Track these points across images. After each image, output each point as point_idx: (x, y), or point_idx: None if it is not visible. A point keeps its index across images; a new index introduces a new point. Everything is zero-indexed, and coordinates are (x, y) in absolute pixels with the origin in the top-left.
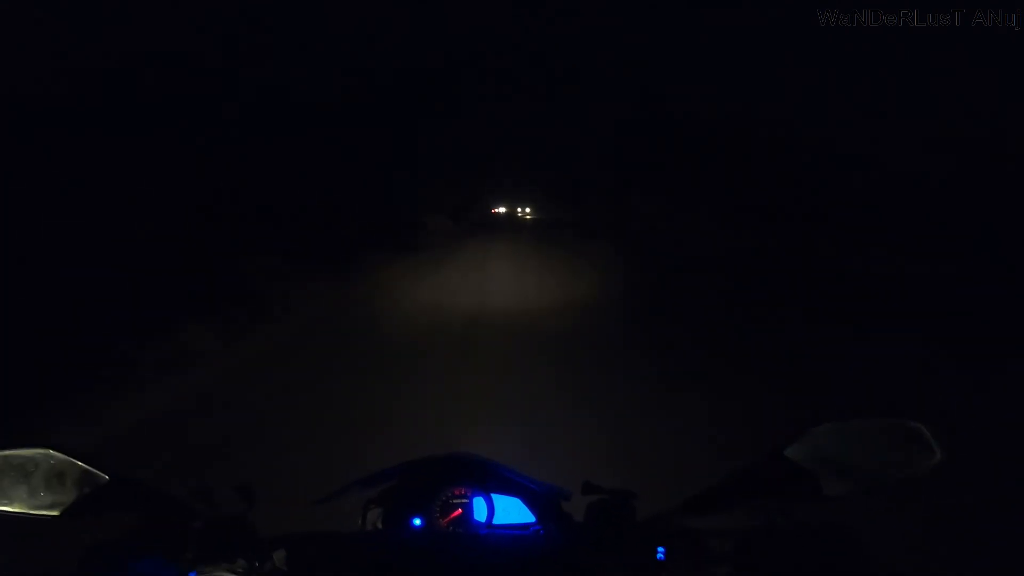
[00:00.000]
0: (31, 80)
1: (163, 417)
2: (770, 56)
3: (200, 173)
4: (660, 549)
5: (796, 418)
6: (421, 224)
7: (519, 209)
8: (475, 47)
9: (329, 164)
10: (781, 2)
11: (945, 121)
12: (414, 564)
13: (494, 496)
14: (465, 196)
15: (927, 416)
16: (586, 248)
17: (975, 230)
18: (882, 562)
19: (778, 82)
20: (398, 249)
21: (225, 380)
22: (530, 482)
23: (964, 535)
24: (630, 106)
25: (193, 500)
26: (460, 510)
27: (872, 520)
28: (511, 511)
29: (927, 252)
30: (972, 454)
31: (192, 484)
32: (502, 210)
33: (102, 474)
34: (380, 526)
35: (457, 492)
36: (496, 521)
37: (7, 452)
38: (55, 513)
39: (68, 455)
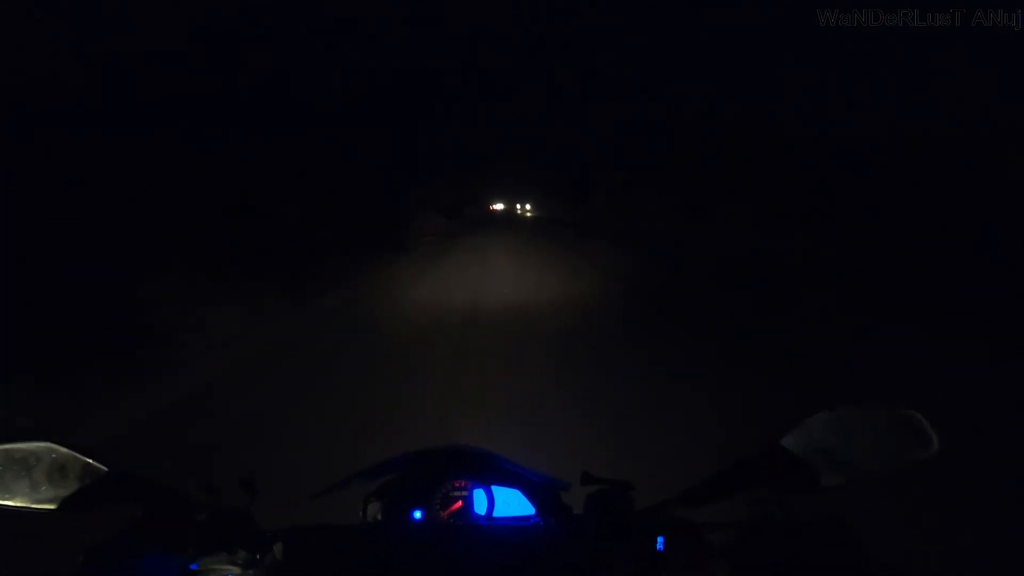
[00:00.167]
0: (31, 80)
1: (163, 416)
2: (770, 56)
3: (199, 173)
4: (660, 539)
5: (796, 418)
6: (415, 222)
7: (519, 206)
8: (475, 46)
9: (328, 164)
10: (781, 2)
11: (945, 121)
12: (415, 557)
13: (494, 488)
14: (463, 194)
15: (927, 416)
16: (586, 247)
17: (975, 230)
18: (879, 554)
19: (778, 82)
20: (395, 247)
21: (225, 380)
22: (530, 474)
23: (964, 534)
24: (630, 106)
25: (195, 493)
26: (460, 502)
27: (870, 511)
28: (511, 503)
29: (927, 252)
30: (972, 454)
31: (194, 478)
32: (500, 207)
33: (104, 468)
34: (380, 519)
35: (457, 484)
36: (496, 513)
37: (9, 446)
38: (57, 507)
39: (70, 449)
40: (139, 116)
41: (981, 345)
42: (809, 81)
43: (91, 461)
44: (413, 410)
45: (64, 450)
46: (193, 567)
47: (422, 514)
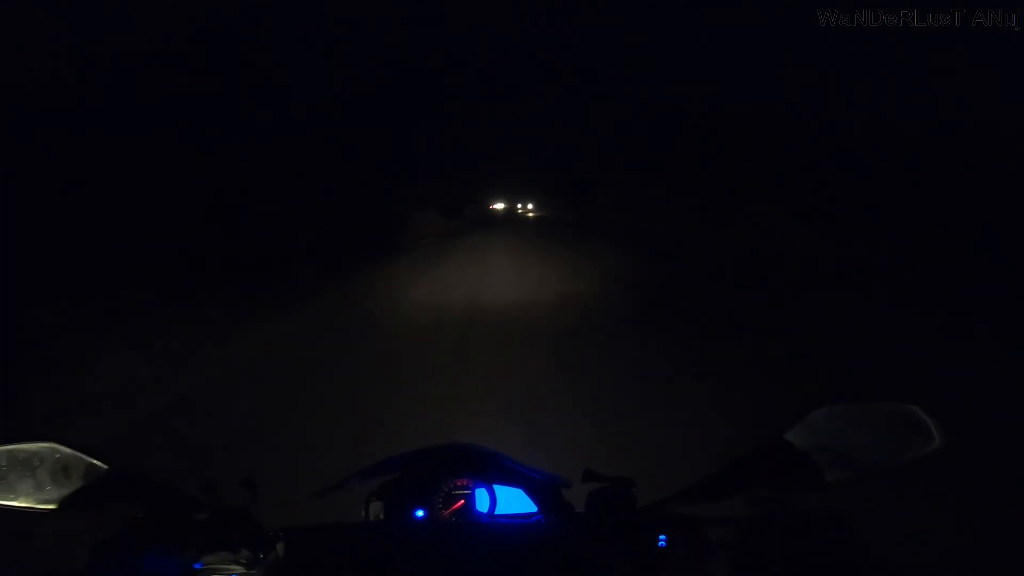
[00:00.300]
0: (31, 80)
1: (164, 416)
2: (770, 56)
3: (199, 173)
4: (661, 537)
5: (796, 415)
6: (413, 221)
7: (519, 206)
8: (475, 46)
9: (328, 164)
10: (781, 2)
11: (945, 121)
12: (417, 555)
13: (496, 486)
14: (463, 193)
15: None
16: (587, 246)
17: (975, 230)
18: (879, 553)
19: (778, 82)
20: (394, 247)
21: (225, 380)
22: (531, 471)
23: (964, 534)
24: (630, 106)
25: (197, 493)
26: (462, 501)
27: (871, 510)
28: (513, 501)
29: (927, 252)
30: (972, 454)
31: (195, 478)
32: (501, 206)
33: (106, 468)
34: (382, 517)
35: (459, 483)
36: (498, 511)
37: (12, 446)
38: (60, 507)
39: (74, 449)
40: (138, 116)
41: (981, 345)
42: (809, 81)
43: (94, 461)
44: (414, 409)
45: (67, 450)
46: (197, 566)
47: (424, 513)
